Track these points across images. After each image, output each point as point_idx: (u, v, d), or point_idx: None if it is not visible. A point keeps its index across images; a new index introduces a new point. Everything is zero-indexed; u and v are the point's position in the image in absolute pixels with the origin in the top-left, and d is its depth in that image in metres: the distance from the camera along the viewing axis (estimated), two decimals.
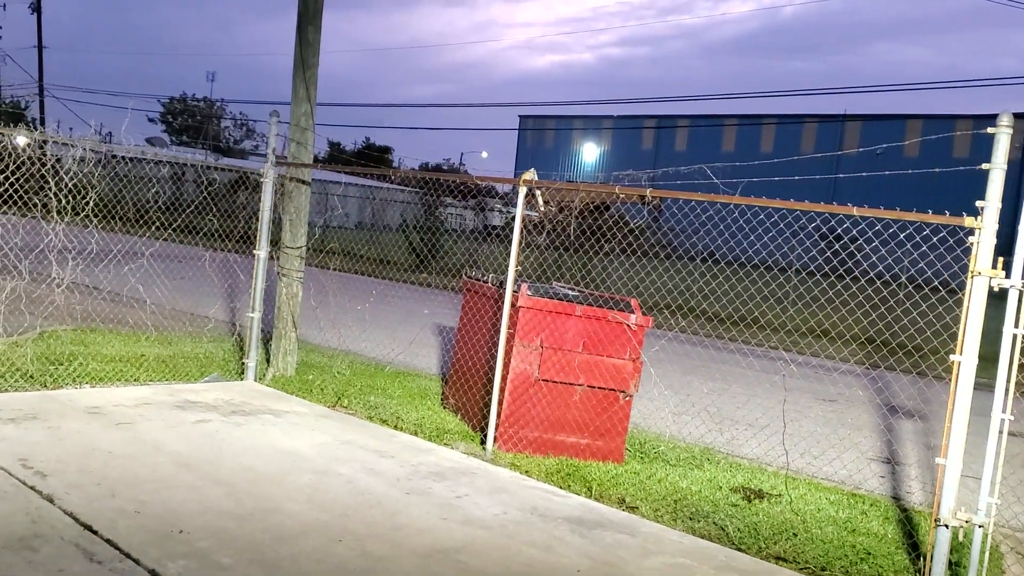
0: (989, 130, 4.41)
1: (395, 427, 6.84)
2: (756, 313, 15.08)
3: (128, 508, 4.42)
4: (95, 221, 7.51)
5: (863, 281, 7.24)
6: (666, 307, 13.34)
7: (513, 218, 6.59)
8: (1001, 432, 4.57)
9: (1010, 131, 4.42)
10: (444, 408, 7.58)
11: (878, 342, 12.26)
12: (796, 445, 7.45)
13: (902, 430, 8.97)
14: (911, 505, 6.22)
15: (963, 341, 4.49)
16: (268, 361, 8.36)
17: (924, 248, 5.87)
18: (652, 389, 8.85)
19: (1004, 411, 4.55)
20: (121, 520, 4.25)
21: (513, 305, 6.44)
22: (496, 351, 6.49)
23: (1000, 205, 4.50)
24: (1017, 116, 5.46)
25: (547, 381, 6.46)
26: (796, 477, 6.62)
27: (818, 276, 8.59)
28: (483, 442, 6.49)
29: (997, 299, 4.58)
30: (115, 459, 5.21)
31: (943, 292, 6.93)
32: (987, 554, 4.66)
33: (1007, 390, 4.57)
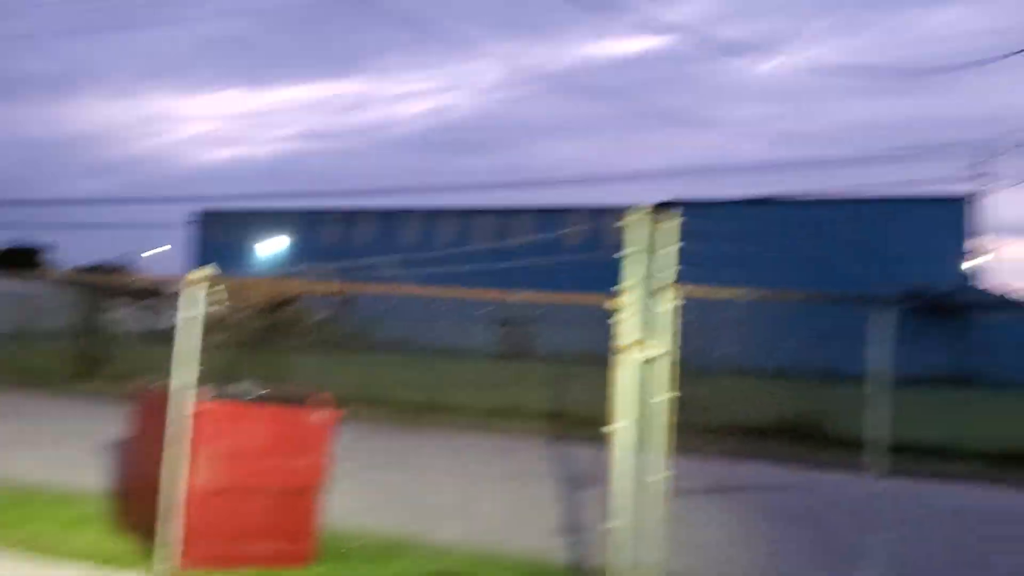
0: (618, 224, 5.03)
1: (61, 556, 6.08)
2: (441, 398, 15.52)
3: None
4: None
5: (535, 360, 7.77)
6: (356, 399, 13.30)
7: (193, 318, 6.24)
8: (656, 492, 5.08)
9: (643, 222, 5.05)
10: (119, 530, 6.89)
11: (555, 415, 13.13)
12: (486, 524, 7.68)
13: (583, 498, 9.59)
14: (594, 567, 6.63)
15: (616, 410, 4.98)
16: None
17: (584, 328, 6.45)
18: (345, 483, 8.70)
19: (659, 471, 5.08)
20: None
21: (188, 411, 6.07)
22: (171, 463, 6.05)
23: (640, 288, 5.10)
24: (666, 205, 6.21)
25: (228, 489, 6.12)
26: (488, 557, 6.81)
27: (495, 358, 9.09)
28: (164, 562, 5.98)
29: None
30: None
31: (608, 366, 7.63)
32: None
33: (660, 451, 5.11)
